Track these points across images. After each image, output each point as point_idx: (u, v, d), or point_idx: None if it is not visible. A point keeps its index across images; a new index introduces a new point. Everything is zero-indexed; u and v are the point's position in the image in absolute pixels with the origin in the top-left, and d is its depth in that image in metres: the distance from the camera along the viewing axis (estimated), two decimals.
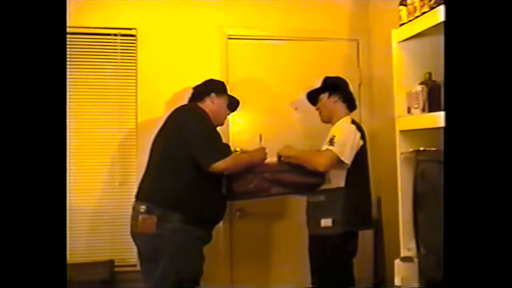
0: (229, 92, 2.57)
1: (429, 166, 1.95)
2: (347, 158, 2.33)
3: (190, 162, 2.22)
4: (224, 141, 2.45)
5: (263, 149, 2.49)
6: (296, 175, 2.43)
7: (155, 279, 2.20)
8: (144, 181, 2.34)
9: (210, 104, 2.44)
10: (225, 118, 2.56)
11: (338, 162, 2.33)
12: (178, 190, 2.21)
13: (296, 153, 2.50)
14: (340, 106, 2.53)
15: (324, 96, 2.55)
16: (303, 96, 2.70)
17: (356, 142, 2.38)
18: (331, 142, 2.35)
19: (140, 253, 2.31)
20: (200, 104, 2.43)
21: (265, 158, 2.45)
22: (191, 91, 2.53)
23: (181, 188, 2.21)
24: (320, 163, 2.34)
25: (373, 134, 2.93)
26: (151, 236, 2.20)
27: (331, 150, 2.33)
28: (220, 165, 2.20)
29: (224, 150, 2.29)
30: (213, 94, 2.45)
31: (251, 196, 2.47)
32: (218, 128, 2.42)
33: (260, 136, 2.63)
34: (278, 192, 2.45)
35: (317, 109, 2.60)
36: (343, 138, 2.36)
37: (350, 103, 2.56)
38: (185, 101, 2.54)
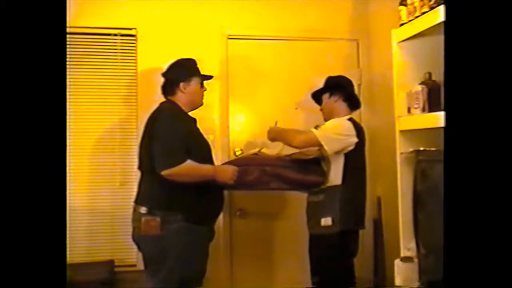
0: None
1: (429, 166, 1.95)
2: (329, 145, 2.33)
3: None
4: (201, 142, 2.36)
5: (234, 169, 2.33)
6: (297, 172, 2.42)
7: (160, 280, 2.19)
8: (141, 186, 2.33)
9: (182, 95, 2.36)
10: (201, 97, 2.45)
11: (317, 146, 2.37)
12: (174, 190, 2.20)
13: (280, 131, 2.53)
14: (341, 106, 2.51)
15: (325, 96, 2.55)
16: (303, 96, 2.70)
17: (346, 137, 2.36)
18: (316, 127, 2.41)
19: (144, 255, 2.30)
20: (172, 98, 2.37)
21: (233, 179, 2.30)
22: (162, 79, 2.43)
23: (176, 188, 2.19)
24: (296, 138, 2.41)
25: (373, 134, 2.93)
26: (155, 238, 2.18)
27: (311, 132, 2.38)
28: (166, 173, 2.16)
29: (174, 158, 2.18)
30: (181, 84, 2.36)
31: (249, 188, 2.45)
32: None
33: (276, 122, 2.59)
34: (277, 187, 2.42)
35: (321, 109, 2.59)
36: (331, 126, 2.39)
37: (352, 103, 2.54)
38: None
